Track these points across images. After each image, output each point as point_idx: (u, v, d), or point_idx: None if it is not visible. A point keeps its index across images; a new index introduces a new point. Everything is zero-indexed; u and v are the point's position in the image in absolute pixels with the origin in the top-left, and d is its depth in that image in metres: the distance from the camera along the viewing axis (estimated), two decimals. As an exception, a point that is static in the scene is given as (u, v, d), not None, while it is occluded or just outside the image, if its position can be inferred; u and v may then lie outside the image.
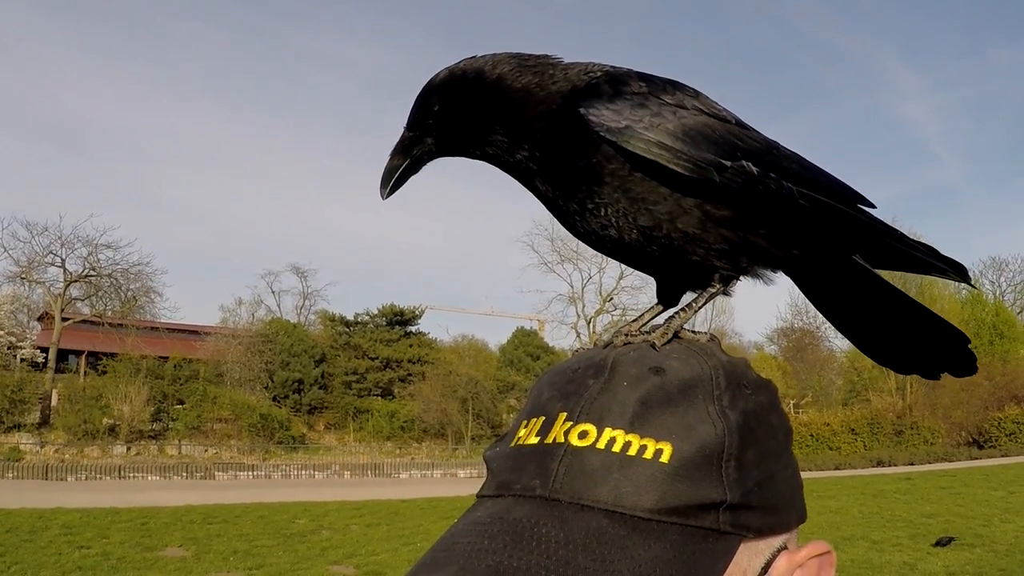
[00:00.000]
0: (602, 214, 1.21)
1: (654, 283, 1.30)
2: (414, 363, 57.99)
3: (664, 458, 0.93)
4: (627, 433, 0.94)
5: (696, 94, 1.26)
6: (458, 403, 51.92)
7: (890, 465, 44.74)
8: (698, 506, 0.92)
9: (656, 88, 1.23)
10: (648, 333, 1.13)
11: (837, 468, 44.23)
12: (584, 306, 62.05)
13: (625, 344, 1.11)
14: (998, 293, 68.24)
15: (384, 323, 60.44)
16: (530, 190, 1.30)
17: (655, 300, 1.34)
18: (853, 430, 52.76)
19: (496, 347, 64.91)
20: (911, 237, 1.32)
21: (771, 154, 1.25)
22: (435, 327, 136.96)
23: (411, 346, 59.29)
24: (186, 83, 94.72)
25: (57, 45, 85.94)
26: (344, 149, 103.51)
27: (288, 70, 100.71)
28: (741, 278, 1.27)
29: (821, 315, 1.45)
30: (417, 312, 61.45)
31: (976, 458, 47.07)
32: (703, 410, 0.97)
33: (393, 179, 1.30)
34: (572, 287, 61.93)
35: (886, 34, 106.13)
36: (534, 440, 1.00)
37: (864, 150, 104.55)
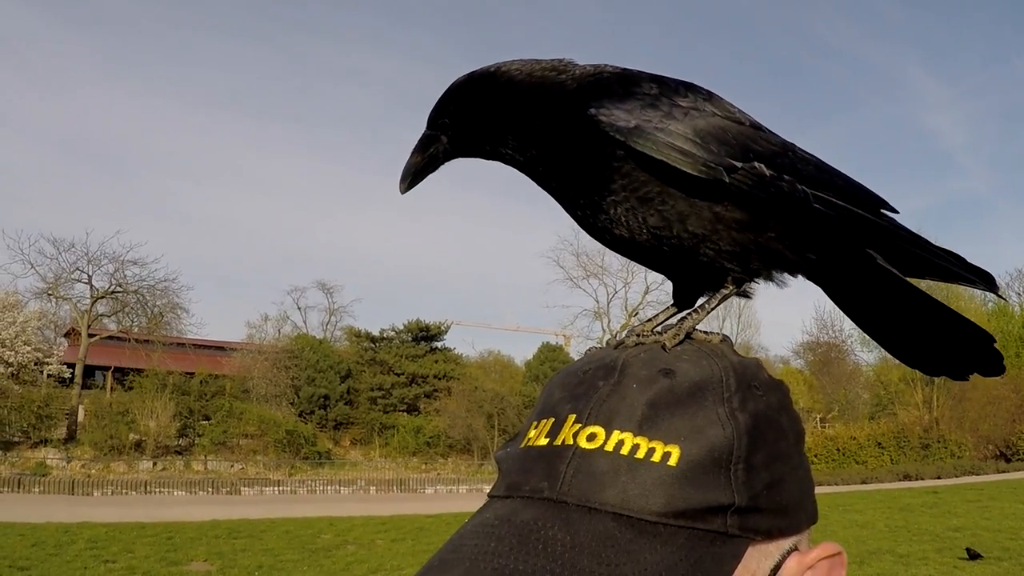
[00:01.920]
0: (612, 213, 1.21)
1: (705, 303, 1.30)
2: (440, 379, 57.79)
3: (672, 461, 0.93)
4: (635, 436, 0.95)
5: (709, 96, 1.26)
6: (484, 419, 51.73)
7: (917, 479, 44.37)
8: (706, 509, 0.92)
9: (668, 89, 1.23)
10: (660, 334, 1.13)
11: (864, 482, 43.89)
12: (610, 321, 61.77)
13: (637, 344, 1.11)
14: (1025, 305, 67.57)
15: (410, 339, 60.30)
16: (545, 189, 1.31)
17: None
18: (880, 444, 52.37)
19: (522, 362, 64.69)
20: (936, 244, 1.31)
21: (786, 156, 1.25)
22: (461, 343, 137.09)
23: (437, 362, 59.07)
24: (213, 99, 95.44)
25: (84, 62, 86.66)
26: (370, 164, 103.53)
27: (315, 85, 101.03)
28: (759, 280, 1.27)
29: (849, 319, 1.44)
30: (443, 328, 61.33)
31: (1003, 471, 46.68)
32: (712, 412, 0.97)
33: (411, 175, 1.34)
34: (598, 302, 61.70)
35: (911, 44, 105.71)
36: (543, 442, 1.00)
37: (890, 160, 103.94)
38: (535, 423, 1.05)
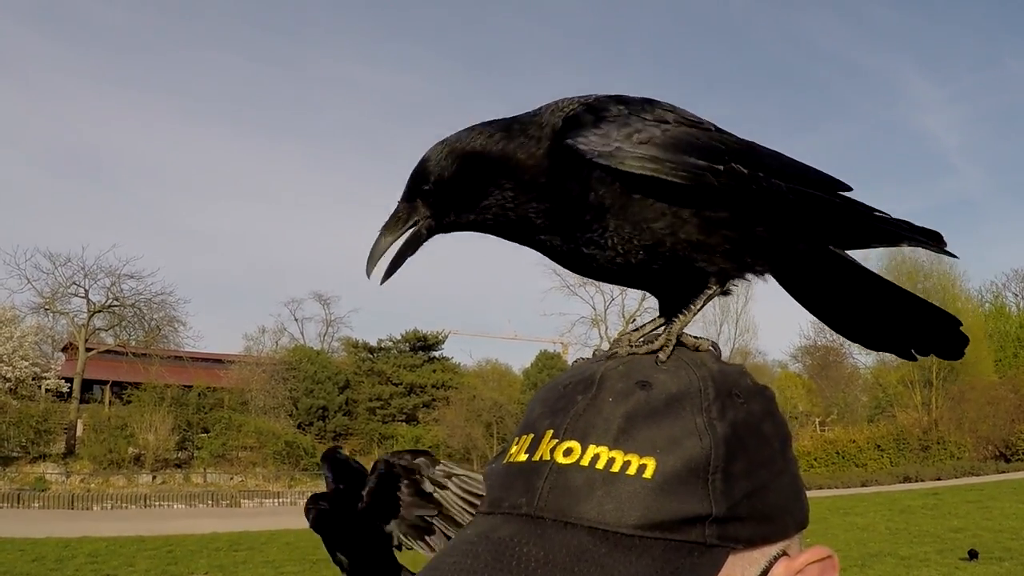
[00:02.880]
0: (609, 245, 1.20)
1: (690, 304, 1.29)
2: (438, 388, 57.94)
3: (647, 474, 0.93)
4: (611, 449, 0.95)
5: (672, 108, 1.26)
6: (483, 427, 51.82)
7: (917, 481, 44.43)
8: (682, 520, 0.92)
9: (634, 107, 1.23)
10: (651, 342, 1.12)
11: (864, 485, 44.00)
12: (607, 328, 61.63)
13: (630, 354, 1.11)
14: (1022, 305, 67.68)
15: (407, 349, 60.45)
16: (534, 246, 1.29)
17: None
18: (879, 446, 52.43)
19: (520, 371, 64.69)
20: (890, 215, 1.32)
21: (753, 154, 1.25)
22: (458, 352, 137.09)
23: (435, 371, 59.23)
24: (208, 113, 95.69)
25: (80, 77, 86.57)
26: (365, 176, 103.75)
27: (308, 98, 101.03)
28: (749, 277, 1.27)
29: (811, 313, 1.44)
30: (440, 337, 61.45)
31: (1003, 471, 46.71)
32: (690, 423, 0.97)
33: (391, 262, 1.25)
34: (595, 309, 61.73)
35: (904, 47, 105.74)
36: (523, 458, 1.01)
37: (884, 163, 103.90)
38: (516, 439, 1.05)
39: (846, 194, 1.30)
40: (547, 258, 1.31)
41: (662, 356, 1.08)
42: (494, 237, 1.29)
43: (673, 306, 1.30)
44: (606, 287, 58.97)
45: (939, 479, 44.49)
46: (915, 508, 27.98)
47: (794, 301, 1.38)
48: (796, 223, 1.26)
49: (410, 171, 1.26)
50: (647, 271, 1.24)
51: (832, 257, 1.35)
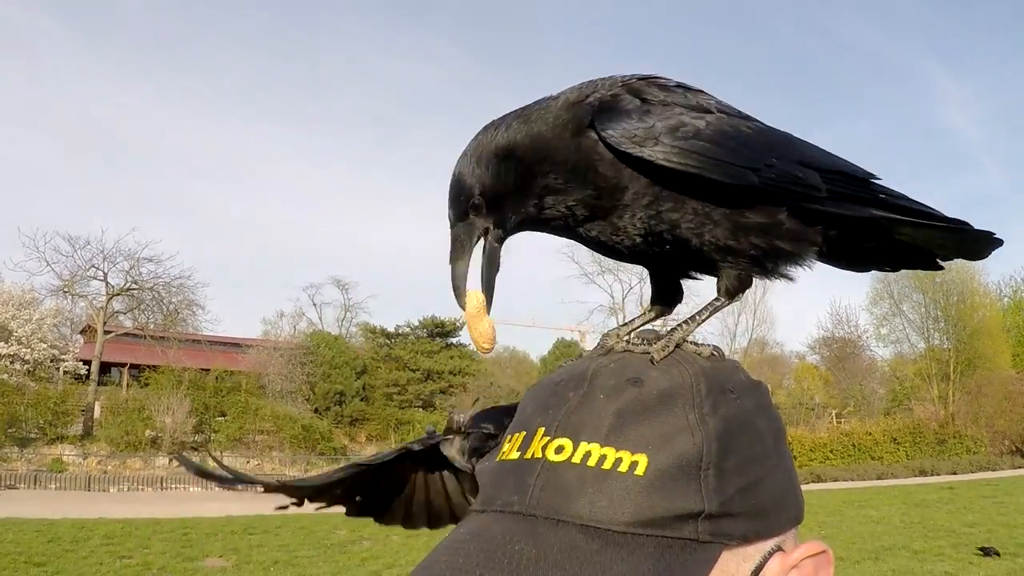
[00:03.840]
0: (632, 232, 1.20)
1: (694, 294, 1.28)
2: (455, 375, 57.89)
3: (639, 470, 0.93)
4: (603, 446, 0.95)
5: (708, 95, 1.25)
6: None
7: (932, 474, 44.30)
8: (675, 517, 0.92)
9: (676, 95, 1.21)
10: (649, 343, 1.12)
11: (879, 478, 43.82)
12: (625, 317, 61.20)
13: (625, 352, 1.11)
14: (1042, 300, 67.32)
15: (425, 335, 60.32)
16: (580, 239, 1.28)
17: (679, 305, 1.34)
18: (895, 439, 52.18)
19: (537, 358, 64.62)
20: (916, 200, 1.32)
21: (792, 146, 1.25)
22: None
23: (452, 358, 59.11)
24: (228, 98, 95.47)
25: (101, 62, 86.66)
26: (384, 162, 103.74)
27: (328, 85, 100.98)
28: (764, 279, 1.27)
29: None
30: (458, 324, 60.99)
31: (1019, 467, 46.60)
32: (682, 419, 0.97)
33: (465, 284, 1.20)
34: (613, 298, 61.37)
35: (929, 41, 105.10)
36: (515, 455, 1.01)
37: (906, 157, 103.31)
38: (509, 437, 1.06)
39: (876, 181, 1.30)
40: (581, 244, 1.30)
41: (656, 357, 1.07)
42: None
43: (669, 294, 1.32)
44: (625, 276, 58.85)
45: (955, 473, 44.38)
46: (930, 502, 27.91)
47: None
48: (831, 210, 1.25)
49: (446, 190, 1.23)
50: (662, 258, 1.25)
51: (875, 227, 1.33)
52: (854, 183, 1.27)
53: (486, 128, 1.23)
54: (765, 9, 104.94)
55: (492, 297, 1.20)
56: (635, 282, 59.77)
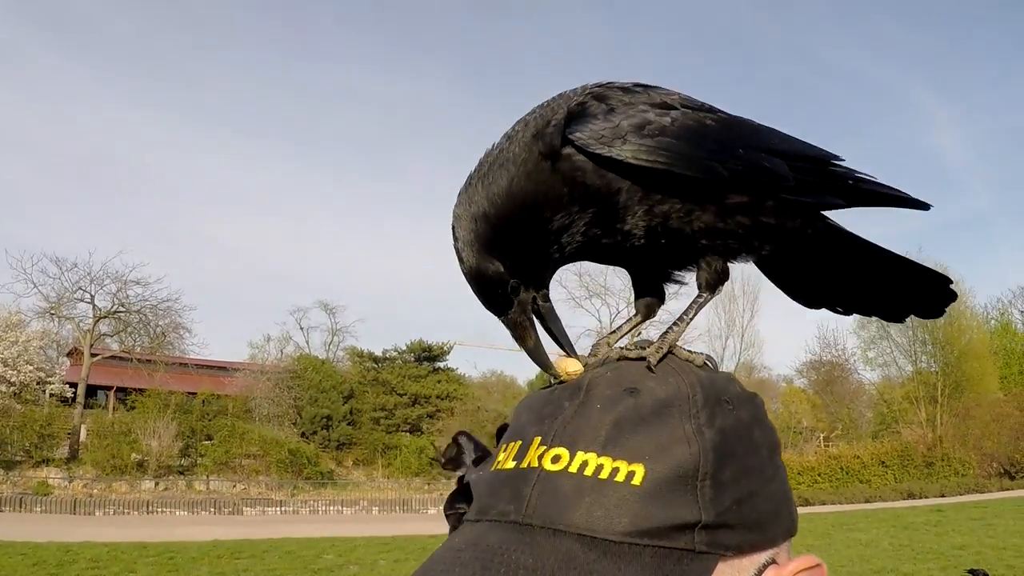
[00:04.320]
0: (626, 233, 1.20)
1: (683, 315, 1.27)
2: (442, 399, 57.95)
3: (636, 480, 0.93)
4: (599, 456, 0.95)
5: (672, 92, 1.25)
6: (487, 439, 51.33)
7: (921, 497, 44.41)
8: (672, 527, 0.91)
9: (639, 95, 1.21)
10: (642, 348, 1.11)
11: (867, 501, 43.93)
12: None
13: (621, 359, 1.10)
14: (1029, 323, 67.68)
15: (412, 359, 60.43)
16: (601, 255, 1.27)
17: (660, 311, 1.34)
18: (883, 462, 52.35)
19: (525, 382, 64.63)
20: (879, 181, 1.35)
21: (757, 135, 1.26)
22: (463, 363, 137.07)
23: (439, 382, 59.20)
24: (216, 121, 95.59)
25: (89, 84, 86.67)
26: (372, 186, 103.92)
27: (316, 108, 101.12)
28: (752, 258, 1.29)
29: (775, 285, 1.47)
30: (445, 348, 61.40)
31: (1008, 489, 46.74)
32: (679, 429, 0.96)
33: (548, 358, 1.19)
34: (600, 322, 61.29)
35: (916, 64, 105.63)
36: (511, 465, 1.01)
37: (894, 179, 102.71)
38: (504, 446, 1.05)
39: (840, 163, 1.32)
40: (599, 262, 1.31)
41: (652, 362, 1.07)
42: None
43: (652, 296, 1.32)
44: (612, 300, 58.97)
45: (943, 496, 44.48)
46: (919, 525, 27.94)
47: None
48: (799, 198, 1.26)
49: (454, 263, 1.19)
50: (648, 254, 1.25)
51: (828, 230, 1.36)
52: (819, 167, 1.30)
53: (461, 199, 1.20)
54: (751, 32, 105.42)
55: (571, 346, 1.18)
56: (623, 306, 59.96)
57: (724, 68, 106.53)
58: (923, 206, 1.39)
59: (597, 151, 1.14)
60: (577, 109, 1.18)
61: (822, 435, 59.43)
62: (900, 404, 58.01)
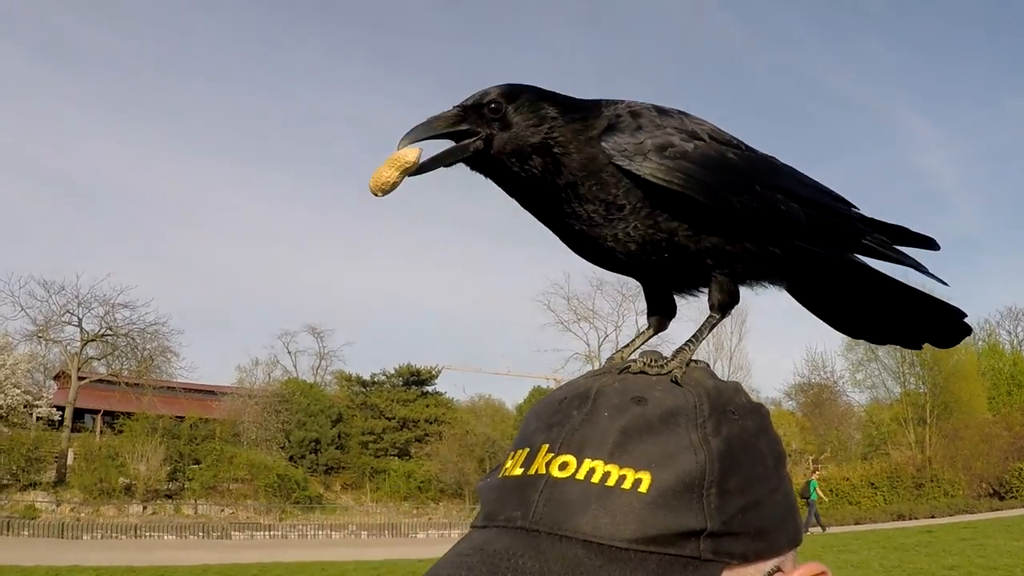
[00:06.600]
0: (627, 239, 1.24)
1: (670, 341, 1.31)
2: (431, 423, 58.03)
3: (643, 488, 0.94)
4: (607, 463, 0.96)
5: (703, 123, 1.30)
6: (475, 462, 51.73)
7: (911, 518, 44.40)
8: (678, 535, 0.93)
9: (671, 119, 1.26)
10: (662, 364, 1.13)
11: (857, 523, 43.92)
12: (601, 364, 61.69)
13: (640, 372, 1.11)
14: (1015, 343, 68.01)
15: (401, 383, 60.57)
16: (556, 226, 1.31)
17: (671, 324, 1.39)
18: (873, 484, 52.45)
19: (513, 406, 64.44)
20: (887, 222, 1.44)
21: (777, 174, 1.31)
22: (452, 387, 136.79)
23: (428, 406, 59.34)
24: (204, 144, 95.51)
25: (77, 105, 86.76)
26: (361, 210, 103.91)
27: (308, 130, 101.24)
28: (758, 287, 1.33)
29: (820, 318, 1.53)
30: (434, 372, 61.48)
31: (998, 509, 46.71)
32: (685, 438, 0.98)
33: (422, 137, 1.20)
34: (588, 345, 61.56)
35: (903, 86, 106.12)
36: (518, 471, 1.02)
37: (881, 201, 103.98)
38: (512, 453, 1.07)
39: (857, 216, 1.40)
40: (563, 243, 1.33)
41: (677, 376, 1.09)
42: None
43: (664, 310, 1.37)
44: (600, 324, 59.10)
45: (933, 517, 44.48)
46: (909, 546, 27.94)
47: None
48: (813, 240, 1.32)
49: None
50: (657, 267, 1.28)
51: (841, 263, 1.41)
52: (836, 222, 1.35)
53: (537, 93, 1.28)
54: (738, 50, 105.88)
55: (421, 171, 1.20)
56: (611, 330, 60.11)
57: (712, 90, 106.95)
58: (923, 242, 1.51)
59: (618, 163, 1.20)
60: (614, 120, 1.24)
61: (811, 457, 59.45)
62: (889, 426, 58.11)
